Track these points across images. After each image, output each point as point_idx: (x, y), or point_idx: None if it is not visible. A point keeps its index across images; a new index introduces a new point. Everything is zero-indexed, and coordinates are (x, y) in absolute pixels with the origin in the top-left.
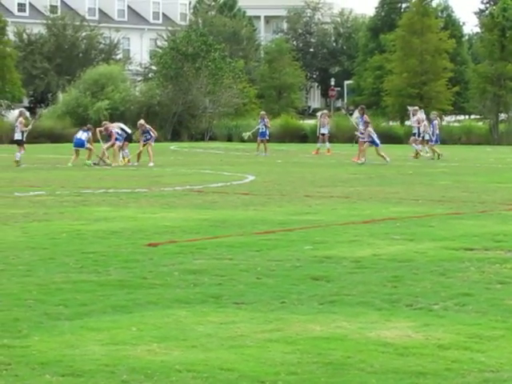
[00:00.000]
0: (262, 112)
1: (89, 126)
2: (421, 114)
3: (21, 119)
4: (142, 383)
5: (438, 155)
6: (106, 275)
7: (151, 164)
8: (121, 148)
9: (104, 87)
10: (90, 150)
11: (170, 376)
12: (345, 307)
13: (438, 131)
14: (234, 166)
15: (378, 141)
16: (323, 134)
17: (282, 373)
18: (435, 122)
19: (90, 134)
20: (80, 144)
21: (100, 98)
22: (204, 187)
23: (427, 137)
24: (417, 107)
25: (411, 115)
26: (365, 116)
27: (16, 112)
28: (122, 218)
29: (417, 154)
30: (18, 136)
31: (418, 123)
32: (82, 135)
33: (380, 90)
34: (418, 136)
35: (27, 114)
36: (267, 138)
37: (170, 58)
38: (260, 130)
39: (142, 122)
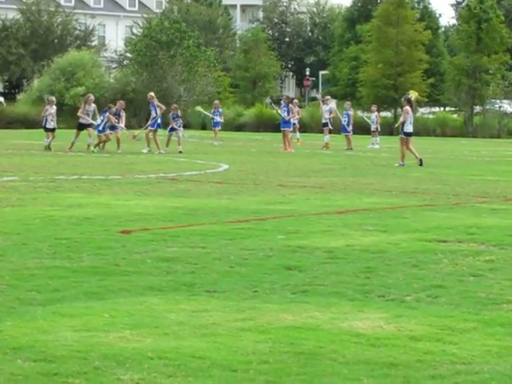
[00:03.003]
0: (216, 101)
1: (110, 105)
2: (333, 104)
3: None
4: (114, 370)
5: (350, 147)
6: (79, 261)
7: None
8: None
9: (74, 74)
10: (100, 137)
11: (141, 363)
12: (317, 297)
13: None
14: (208, 154)
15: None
16: (294, 124)
17: (254, 362)
18: (349, 112)
19: (107, 114)
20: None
21: (73, 84)
22: (178, 175)
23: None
24: (328, 96)
25: (321, 104)
26: (290, 105)
27: None
28: (96, 204)
29: (327, 145)
30: None
31: (330, 113)
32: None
33: (355, 81)
34: (328, 126)
35: (2, 99)
36: (219, 127)
37: (145, 46)
38: (215, 120)
39: (152, 94)
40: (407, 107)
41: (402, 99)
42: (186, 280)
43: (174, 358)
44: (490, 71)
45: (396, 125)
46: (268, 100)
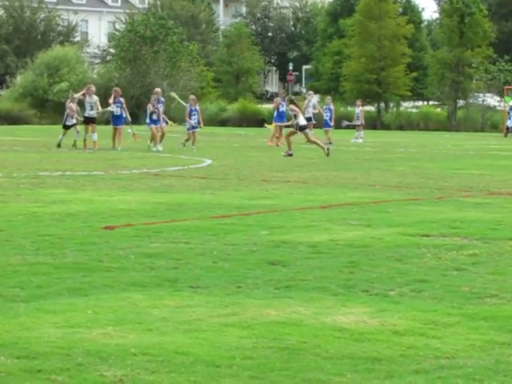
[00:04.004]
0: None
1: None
2: (314, 99)
3: None
4: (97, 366)
5: (329, 142)
6: (62, 258)
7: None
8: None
9: (59, 69)
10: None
11: (125, 359)
12: (301, 292)
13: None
14: (191, 150)
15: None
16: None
17: (238, 357)
18: (331, 106)
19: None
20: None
21: (56, 80)
22: (161, 170)
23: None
24: (311, 92)
25: (309, 98)
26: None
27: None
28: (79, 200)
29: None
30: None
31: (314, 108)
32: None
33: (339, 75)
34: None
35: None
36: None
37: (128, 41)
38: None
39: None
40: (292, 106)
41: (286, 100)
42: (169, 276)
43: (157, 354)
44: (473, 65)
45: (288, 123)
46: (345, 124)
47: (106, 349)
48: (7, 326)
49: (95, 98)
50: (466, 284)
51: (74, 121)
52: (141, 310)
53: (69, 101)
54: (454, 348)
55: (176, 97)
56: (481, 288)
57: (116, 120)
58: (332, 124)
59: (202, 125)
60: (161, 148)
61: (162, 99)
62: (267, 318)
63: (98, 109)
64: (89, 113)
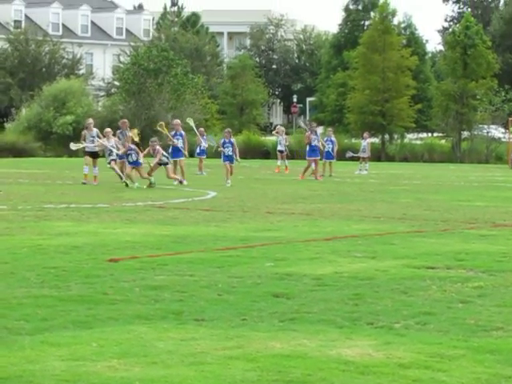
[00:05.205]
0: (201, 129)
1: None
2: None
3: None
4: None
5: (331, 174)
6: (67, 290)
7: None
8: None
9: (65, 102)
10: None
11: None
12: (305, 325)
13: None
14: (196, 181)
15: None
16: (281, 152)
17: None
18: (332, 138)
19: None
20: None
21: (62, 112)
22: (165, 203)
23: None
24: (315, 123)
25: (309, 131)
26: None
27: None
28: (84, 232)
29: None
30: None
31: (318, 141)
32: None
33: (343, 107)
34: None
35: None
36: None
37: (132, 74)
38: (201, 148)
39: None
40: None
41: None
42: (174, 308)
43: None
44: (478, 96)
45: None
46: (349, 155)
47: (110, 382)
48: (12, 359)
49: (95, 131)
50: (472, 316)
51: (114, 154)
52: (146, 342)
53: (102, 140)
54: (459, 381)
55: (192, 124)
56: (486, 321)
57: (176, 153)
58: (335, 155)
59: (238, 158)
60: (185, 182)
61: (183, 132)
62: (272, 351)
63: (98, 141)
64: (90, 146)
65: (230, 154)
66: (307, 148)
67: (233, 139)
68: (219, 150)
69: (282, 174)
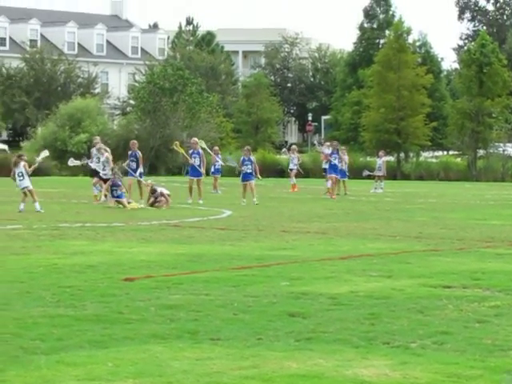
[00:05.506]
0: (216, 147)
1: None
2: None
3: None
4: None
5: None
6: (83, 310)
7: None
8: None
9: (80, 121)
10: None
11: None
12: (321, 344)
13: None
14: (211, 200)
15: None
16: (291, 170)
17: None
18: (345, 157)
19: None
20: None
21: (78, 131)
22: (181, 221)
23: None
24: (335, 142)
25: (325, 150)
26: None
27: None
28: (99, 252)
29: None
30: None
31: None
32: None
33: (358, 125)
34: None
35: (6, 147)
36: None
37: (148, 93)
38: (216, 166)
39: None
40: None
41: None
42: (189, 328)
43: None
44: (493, 114)
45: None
46: (366, 173)
47: None
48: (28, 379)
49: (97, 148)
50: (489, 336)
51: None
52: (161, 362)
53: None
54: None
55: (204, 146)
56: (503, 340)
57: (193, 172)
58: (347, 174)
59: (258, 175)
60: (201, 201)
61: (201, 151)
62: (288, 371)
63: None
64: (95, 165)
65: (249, 171)
66: (327, 166)
67: (252, 157)
68: (241, 169)
69: (296, 192)
